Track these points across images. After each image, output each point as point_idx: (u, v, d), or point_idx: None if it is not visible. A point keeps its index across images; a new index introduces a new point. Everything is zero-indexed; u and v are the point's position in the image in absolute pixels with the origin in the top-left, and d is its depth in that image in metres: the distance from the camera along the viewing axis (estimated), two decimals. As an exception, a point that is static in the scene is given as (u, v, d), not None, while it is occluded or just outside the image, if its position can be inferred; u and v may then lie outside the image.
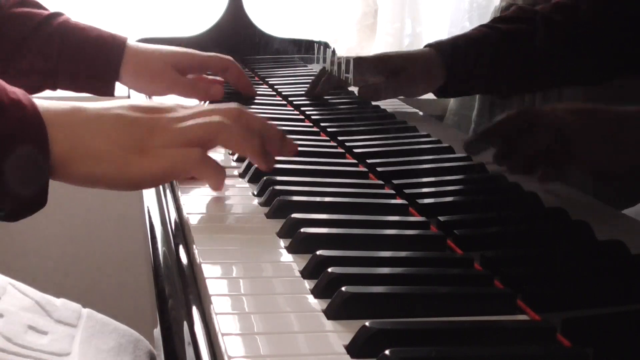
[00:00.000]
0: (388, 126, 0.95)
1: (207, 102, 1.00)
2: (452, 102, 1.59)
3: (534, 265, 0.54)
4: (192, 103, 0.96)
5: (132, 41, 1.02)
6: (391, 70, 1.04)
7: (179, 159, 0.62)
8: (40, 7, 1.02)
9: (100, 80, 1.00)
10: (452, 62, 1.03)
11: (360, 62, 1.04)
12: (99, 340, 0.80)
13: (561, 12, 1.02)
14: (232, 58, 1.05)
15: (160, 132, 0.63)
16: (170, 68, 1.00)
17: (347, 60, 1.03)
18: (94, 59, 0.99)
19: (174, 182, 0.69)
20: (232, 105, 0.67)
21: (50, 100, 0.62)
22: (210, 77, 1.06)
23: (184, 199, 0.64)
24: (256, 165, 0.69)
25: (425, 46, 1.06)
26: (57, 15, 1.00)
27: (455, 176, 0.74)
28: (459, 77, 1.04)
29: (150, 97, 1.05)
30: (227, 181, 0.70)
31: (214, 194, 0.67)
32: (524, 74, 1.04)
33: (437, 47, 1.04)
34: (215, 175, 0.65)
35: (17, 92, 0.60)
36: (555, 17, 1.02)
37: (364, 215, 0.60)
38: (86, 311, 0.87)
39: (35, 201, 0.60)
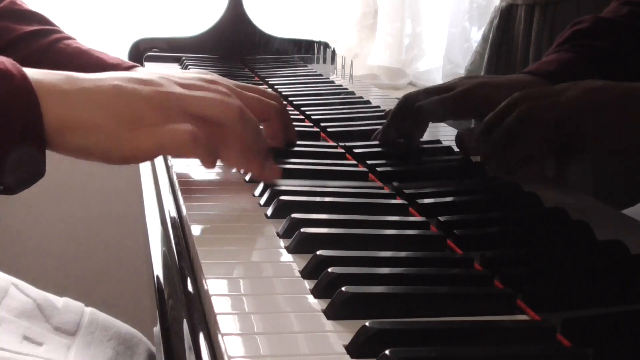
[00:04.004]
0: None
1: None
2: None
3: (534, 265, 0.54)
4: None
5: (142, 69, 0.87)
6: (481, 113, 0.77)
7: (170, 137, 0.60)
8: (29, 18, 0.91)
9: None
10: None
11: (434, 109, 0.82)
12: (96, 349, 0.80)
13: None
14: (278, 105, 0.75)
15: (158, 109, 0.61)
16: None
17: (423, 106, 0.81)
18: None
19: (174, 182, 0.69)
20: (235, 102, 0.65)
21: (43, 70, 0.60)
22: None
23: (184, 199, 0.64)
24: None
25: (522, 73, 0.90)
26: (43, 33, 0.88)
27: (455, 176, 0.74)
28: None
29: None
30: (227, 182, 0.70)
31: (214, 194, 0.67)
32: None
33: (543, 75, 0.88)
34: (207, 155, 0.63)
35: (5, 61, 0.58)
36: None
37: (364, 215, 0.60)
38: (89, 310, 0.86)
39: (34, 172, 0.59)
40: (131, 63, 0.88)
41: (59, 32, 0.91)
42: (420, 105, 0.82)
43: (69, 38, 0.90)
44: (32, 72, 0.59)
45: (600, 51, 0.90)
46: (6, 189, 0.59)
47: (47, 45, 0.87)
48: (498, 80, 0.88)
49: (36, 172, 0.59)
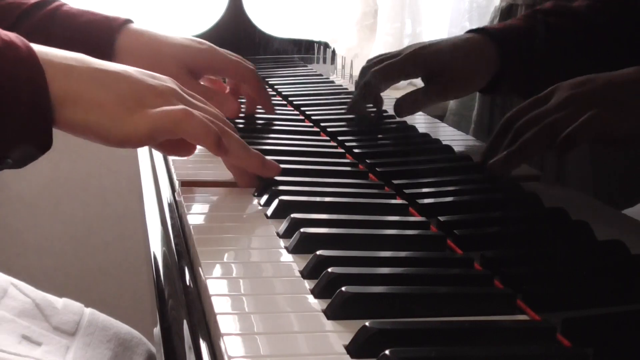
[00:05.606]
0: (388, 126, 0.95)
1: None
2: (452, 102, 1.59)
3: (534, 265, 0.54)
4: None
5: (135, 26, 0.87)
6: (430, 70, 0.91)
7: (163, 116, 0.61)
8: None
9: None
10: (511, 50, 0.90)
11: (386, 73, 0.91)
12: (95, 350, 0.80)
13: (603, 10, 0.96)
14: (254, 68, 0.91)
15: (160, 96, 0.62)
16: (184, 71, 0.85)
17: (369, 79, 0.91)
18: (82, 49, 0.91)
19: (174, 182, 0.69)
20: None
21: (49, 48, 0.61)
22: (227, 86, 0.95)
23: (184, 198, 0.64)
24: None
25: (468, 32, 0.94)
26: (45, 3, 0.92)
27: (455, 176, 0.74)
28: (516, 69, 0.90)
29: None
30: (227, 182, 0.70)
31: (214, 194, 0.67)
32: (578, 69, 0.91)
33: (488, 33, 0.91)
34: (205, 132, 0.61)
35: (10, 35, 0.59)
36: (596, 17, 0.95)
37: (364, 215, 0.60)
38: (89, 311, 0.86)
39: (41, 144, 0.59)
40: (123, 19, 0.88)
41: (50, 1, 0.93)
42: (373, 71, 0.92)
43: (63, 4, 0.92)
44: (37, 46, 0.60)
45: (548, 26, 0.94)
46: (14, 163, 0.60)
47: (52, 12, 0.90)
48: (444, 41, 0.94)
49: (43, 144, 0.59)
